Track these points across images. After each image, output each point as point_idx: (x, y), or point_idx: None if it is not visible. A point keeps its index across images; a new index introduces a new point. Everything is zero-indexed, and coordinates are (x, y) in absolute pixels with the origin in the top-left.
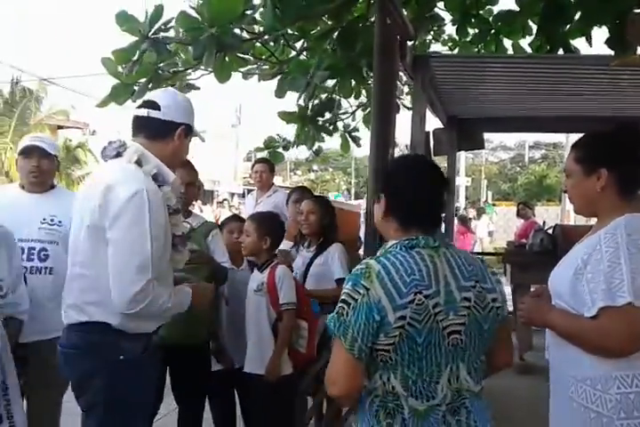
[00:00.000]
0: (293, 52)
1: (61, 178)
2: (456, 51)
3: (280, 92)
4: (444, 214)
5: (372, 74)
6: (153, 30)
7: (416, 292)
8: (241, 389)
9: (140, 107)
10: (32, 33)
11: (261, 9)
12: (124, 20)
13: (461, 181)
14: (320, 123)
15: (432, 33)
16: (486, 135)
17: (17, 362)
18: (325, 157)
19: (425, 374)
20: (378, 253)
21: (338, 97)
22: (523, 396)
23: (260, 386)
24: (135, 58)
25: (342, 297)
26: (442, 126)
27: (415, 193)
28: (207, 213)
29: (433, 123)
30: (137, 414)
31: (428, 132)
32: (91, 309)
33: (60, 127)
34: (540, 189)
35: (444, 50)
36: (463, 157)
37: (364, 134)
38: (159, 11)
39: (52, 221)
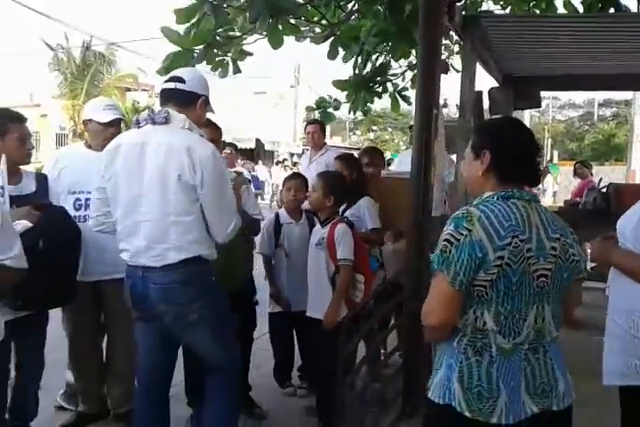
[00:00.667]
0: (344, 14)
1: None
2: (508, 9)
3: (332, 55)
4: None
5: None
6: None
7: (513, 236)
8: (301, 330)
9: (167, 81)
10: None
11: None
12: None
13: None
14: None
15: None
16: (554, 93)
17: (93, 300)
18: (382, 116)
19: (515, 310)
20: (474, 203)
21: (388, 59)
22: (570, 349)
23: (319, 329)
24: (194, 20)
25: (445, 237)
26: (497, 85)
27: (521, 150)
28: (263, 172)
29: (488, 82)
30: (231, 324)
31: (480, 92)
32: (192, 246)
33: (127, 90)
34: (607, 149)
35: (495, 8)
36: (528, 115)
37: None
38: None
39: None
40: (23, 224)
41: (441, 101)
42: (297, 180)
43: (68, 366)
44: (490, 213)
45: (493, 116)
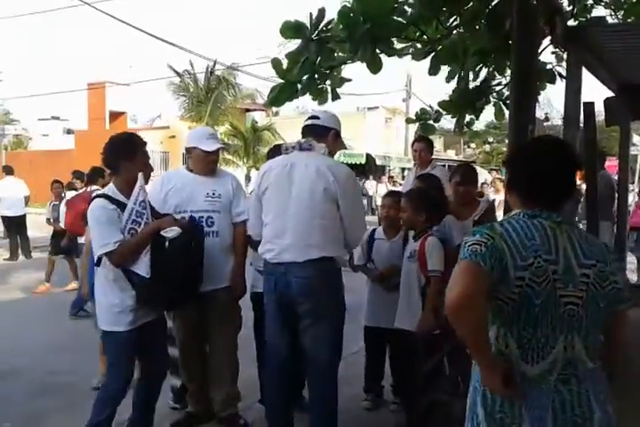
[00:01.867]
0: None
1: (249, 156)
2: (621, 13)
3: (433, 72)
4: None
5: None
6: (316, 32)
7: (535, 255)
8: (392, 342)
9: (307, 119)
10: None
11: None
12: (288, 28)
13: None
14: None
15: None
16: None
17: (194, 310)
18: (499, 127)
19: (540, 335)
20: (501, 220)
21: (492, 71)
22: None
23: (409, 340)
24: (302, 60)
25: (471, 244)
26: (613, 95)
27: (533, 169)
28: (373, 187)
29: (603, 91)
30: (342, 326)
31: (592, 104)
32: (330, 246)
33: (247, 110)
34: None
35: (606, 13)
36: None
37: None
38: (322, 13)
39: (213, 194)
40: (176, 230)
41: (541, 115)
42: (391, 197)
43: (170, 371)
44: (512, 231)
45: (611, 131)
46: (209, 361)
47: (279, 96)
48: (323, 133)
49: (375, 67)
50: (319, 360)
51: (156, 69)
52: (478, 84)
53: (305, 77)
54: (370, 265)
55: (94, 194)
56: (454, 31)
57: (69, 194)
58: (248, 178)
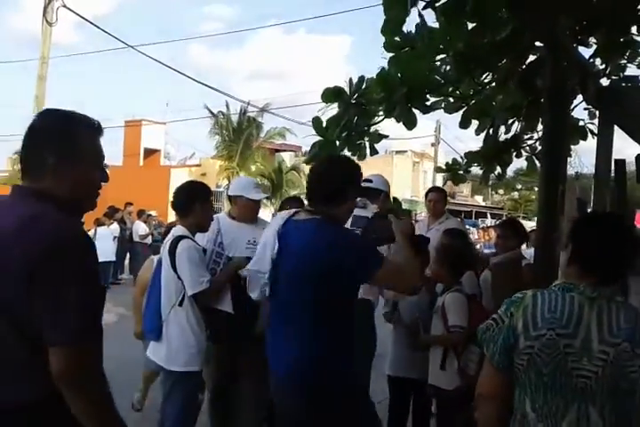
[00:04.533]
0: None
1: (278, 197)
2: None
3: (464, 125)
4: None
5: None
6: (355, 96)
7: (549, 328)
8: (416, 394)
9: (363, 181)
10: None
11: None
12: (329, 94)
13: None
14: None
15: (626, 56)
16: None
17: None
18: (527, 174)
19: (551, 402)
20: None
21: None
22: None
23: (434, 394)
24: (343, 122)
25: (494, 316)
26: None
27: (595, 248)
28: None
29: (631, 147)
30: None
31: (622, 161)
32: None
33: (277, 151)
34: None
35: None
36: None
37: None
38: (362, 80)
39: (254, 242)
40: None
41: (572, 173)
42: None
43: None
44: (539, 302)
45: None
46: (239, 407)
47: (319, 153)
48: (375, 195)
49: (411, 124)
50: None
51: (193, 107)
52: (508, 137)
53: (344, 135)
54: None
55: (176, 235)
56: (486, 87)
57: (99, 230)
58: None
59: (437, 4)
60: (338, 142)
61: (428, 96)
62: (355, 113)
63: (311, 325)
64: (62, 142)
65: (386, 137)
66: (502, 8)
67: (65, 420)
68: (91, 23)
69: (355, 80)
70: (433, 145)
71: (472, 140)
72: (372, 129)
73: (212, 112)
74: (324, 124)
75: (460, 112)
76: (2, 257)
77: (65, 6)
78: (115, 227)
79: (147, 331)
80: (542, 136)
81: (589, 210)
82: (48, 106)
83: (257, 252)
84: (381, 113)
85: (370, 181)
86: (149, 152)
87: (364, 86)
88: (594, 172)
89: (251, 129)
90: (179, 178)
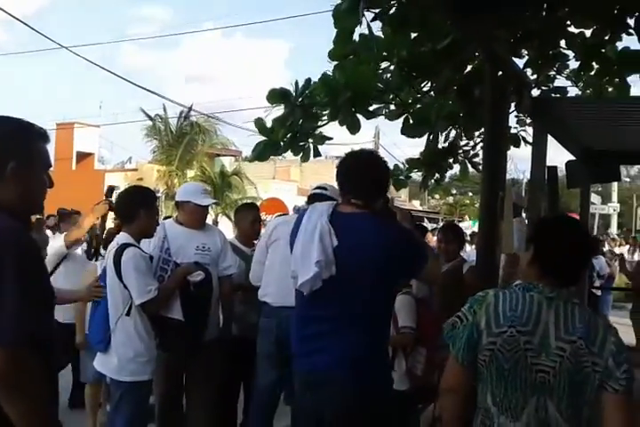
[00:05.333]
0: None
1: (221, 200)
2: (580, 84)
3: (406, 132)
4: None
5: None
6: (301, 99)
7: (510, 325)
8: None
9: (315, 189)
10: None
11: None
12: (274, 95)
13: (611, 209)
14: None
15: (555, 68)
16: None
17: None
18: (462, 179)
19: (511, 396)
20: (504, 287)
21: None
22: None
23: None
24: (289, 123)
25: (458, 313)
26: (574, 158)
27: (559, 251)
28: None
29: (564, 154)
30: None
31: (555, 168)
32: None
33: (217, 155)
34: None
35: (567, 84)
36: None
37: None
38: (308, 83)
39: (203, 248)
40: (202, 274)
41: (508, 177)
42: None
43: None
44: (500, 301)
45: (571, 190)
46: (188, 416)
47: (263, 152)
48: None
49: (354, 129)
50: None
51: (127, 109)
52: (446, 145)
53: (288, 136)
54: None
55: (121, 242)
56: (426, 95)
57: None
58: (215, 223)
59: (384, 16)
60: (282, 143)
61: (370, 102)
62: (300, 115)
63: (366, 319)
64: (20, 149)
65: (330, 139)
66: (446, 20)
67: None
68: (23, 23)
69: (300, 83)
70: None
71: (408, 147)
72: (317, 132)
73: (148, 115)
74: (269, 125)
75: (401, 119)
76: None
77: None
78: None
79: (94, 342)
80: (483, 145)
81: (523, 214)
82: None
83: (302, 240)
84: (325, 117)
85: (324, 188)
86: (82, 156)
87: (309, 89)
88: (529, 178)
89: (192, 134)
90: (114, 182)
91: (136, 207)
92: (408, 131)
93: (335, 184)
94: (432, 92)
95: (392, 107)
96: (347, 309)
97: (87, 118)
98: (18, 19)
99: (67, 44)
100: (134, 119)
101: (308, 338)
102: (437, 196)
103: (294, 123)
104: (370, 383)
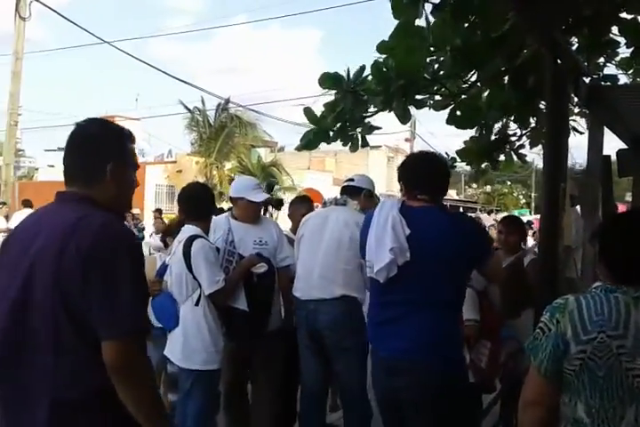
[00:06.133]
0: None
1: None
2: (631, 72)
3: (452, 122)
4: None
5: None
6: (353, 85)
7: (599, 331)
8: None
9: (345, 181)
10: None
11: (442, 58)
12: (327, 79)
13: None
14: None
15: (605, 56)
16: None
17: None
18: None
19: (607, 405)
20: (585, 291)
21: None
22: None
23: None
24: (339, 109)
25: (540, 325)
26: (625, 147)
27: (625, 251)
28: None
29: (615, 143)
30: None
31: (608, 156)
32: (352, 287)
33: (252, 146)
34: None
35: (618, 72)
36: None
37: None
38: (362, 69)
39: (261, 241)
40: (265, 266)
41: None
42: None
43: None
44: (584, 306)
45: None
46: (252, 403)
47: (313, 141)
48: (356, 193)
49: (404, 118)
50: (350, 386)
51: (162, 102)
52: (498, 135)
53: (338, 125)
54: None
55: (189, 235)
56: (474, 85)
57: None
58: None
59: (446, 6)
60: (331, 133)
61: (420, 92)
62: (351, 101)
63: (441, 305)
64: (116, 150)
65: (379, 128)
66: (507, 6)
67: (116, 414)
68: (66, 19)
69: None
70: (407, 140)
71: (445, 137)
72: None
73: (187, 108)
74: (319, 112)
75: (447, 109)
76: (56, 257)
77: (38, 0)
78: None
79: (164, 321)
80: (544, 136)
81: (577, 206)
82: (23, 103)
83: (376, 231)
84: (374, 105)
85: (352, 180)
86: None
87: (362, 76)
88: (584, 168)
89: (232, 126)
90: (154, 175)
91: (209, 205)
92: (456, 121)
93: (370, 174)
94: (478, 83)
95: (436, 97)
96: (423, 294)
97: (124, 112)
98: (60, 14)
99: (100, 35)
100: (171, 112)
101: (384, 323)
102: (475, 185)
103: (344, 109)
104: (452, 369)
